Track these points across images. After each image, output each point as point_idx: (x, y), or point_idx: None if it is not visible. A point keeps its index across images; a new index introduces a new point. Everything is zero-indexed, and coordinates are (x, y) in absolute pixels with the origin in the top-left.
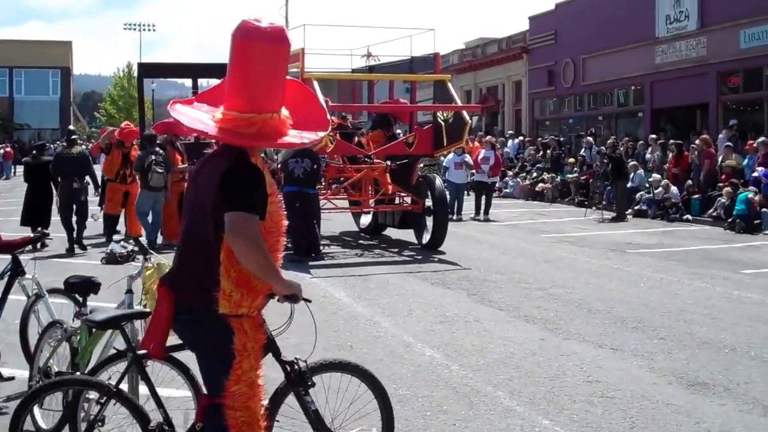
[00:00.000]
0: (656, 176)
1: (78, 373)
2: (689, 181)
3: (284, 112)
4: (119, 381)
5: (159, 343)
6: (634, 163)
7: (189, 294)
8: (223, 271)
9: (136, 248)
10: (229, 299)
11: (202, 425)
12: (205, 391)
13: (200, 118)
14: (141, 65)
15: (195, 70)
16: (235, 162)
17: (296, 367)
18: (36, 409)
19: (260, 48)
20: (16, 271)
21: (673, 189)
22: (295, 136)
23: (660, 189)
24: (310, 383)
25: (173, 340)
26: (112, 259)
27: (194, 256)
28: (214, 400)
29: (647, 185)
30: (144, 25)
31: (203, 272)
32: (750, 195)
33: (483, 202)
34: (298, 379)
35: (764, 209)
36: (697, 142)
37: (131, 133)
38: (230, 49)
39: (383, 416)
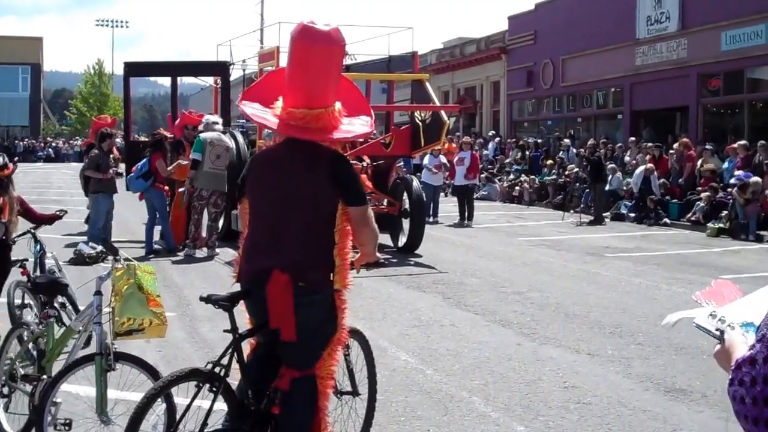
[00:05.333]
0: (641, 167)
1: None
2: (668, 185)
3: (338, 105)
4: (228, 367)
5: (292, 326)
6: (613, 166)
7: (310, 278)
8: (337, 250)
9: (105, 249)
10: (341, 275)
11: (284, 392)
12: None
13: (264, 116)
14: (127, 64)
15: (176, 69)
16: (332, 155)
17: None
18: (1, 413)
19: (321, 49)
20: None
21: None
22: (349, 125)
23: (640, 170)
24: (349, 345)
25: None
26: (80, 260)
27: (315, 242)
28: (306, 372)
29: (624, 188)
30: (116, 22)
31: (324, 255)
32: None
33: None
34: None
35: None
36: (675, 145)
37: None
38: (290, 51)
39: (369, 374)
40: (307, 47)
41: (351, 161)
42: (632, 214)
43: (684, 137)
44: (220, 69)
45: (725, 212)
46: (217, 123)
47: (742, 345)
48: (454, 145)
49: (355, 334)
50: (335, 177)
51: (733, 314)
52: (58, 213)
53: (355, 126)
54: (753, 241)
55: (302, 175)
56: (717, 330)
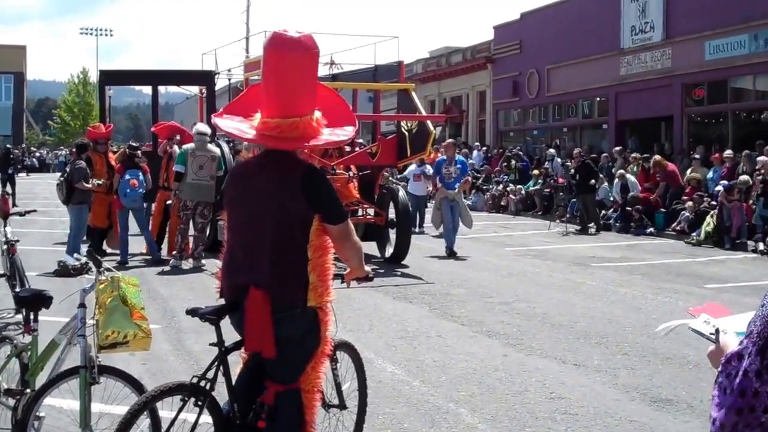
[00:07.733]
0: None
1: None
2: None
3: (317, 113)
4: (213, 381)
5: (270, 343)
6: (600, 176)
7: (286, 294)
8: (311, 267)
9: (90, 260)
10: (315, 292)
11: (270, 406)
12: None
13: (239, 127)
14: (103, 72)
15: (158, 77)
16: (306, 170)
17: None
18: None
19: (294, 57)
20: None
21: (630, 178)
22: (330, 134)
23: (617, 181)
24: (336, 358)
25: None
26: (64, 272)
27: (287, 258)
28: (290, 386)
29: (611, 198)
30: (101, 30)
31: (298, 271)
32: None
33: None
34: (332, 355)
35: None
36: (651, 162)
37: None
38: (264, 60)
39: (360, 386)
40: (278, 55)
41: (339, 171)
42: (618, 224)
43: (668, 146)
44: (204, 78)
45: (708, 222)
46: (205, 133)
47: (735, 345)
48: (440, 155)
49: (345, 347)
50: (308, 193)
51: (727, 324)
52: (21, 212)
53: (340, 135)
54: (739, 250)
55: (273, 190)
56: (711, 333)
